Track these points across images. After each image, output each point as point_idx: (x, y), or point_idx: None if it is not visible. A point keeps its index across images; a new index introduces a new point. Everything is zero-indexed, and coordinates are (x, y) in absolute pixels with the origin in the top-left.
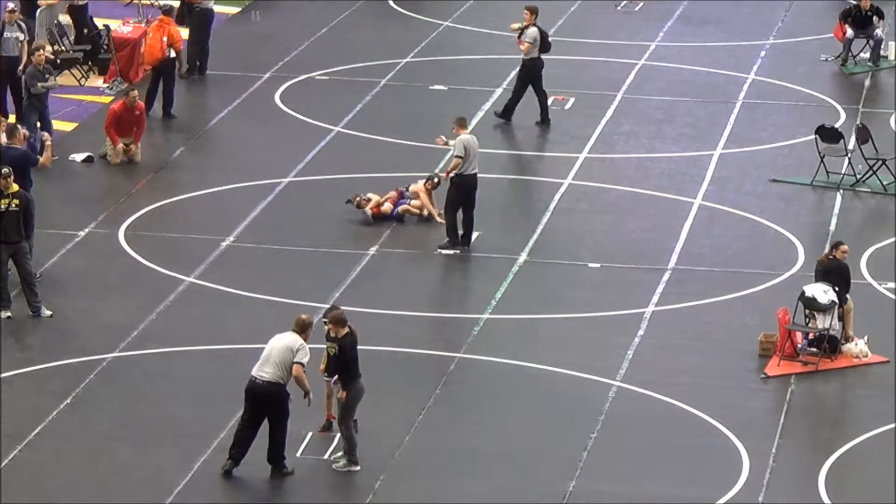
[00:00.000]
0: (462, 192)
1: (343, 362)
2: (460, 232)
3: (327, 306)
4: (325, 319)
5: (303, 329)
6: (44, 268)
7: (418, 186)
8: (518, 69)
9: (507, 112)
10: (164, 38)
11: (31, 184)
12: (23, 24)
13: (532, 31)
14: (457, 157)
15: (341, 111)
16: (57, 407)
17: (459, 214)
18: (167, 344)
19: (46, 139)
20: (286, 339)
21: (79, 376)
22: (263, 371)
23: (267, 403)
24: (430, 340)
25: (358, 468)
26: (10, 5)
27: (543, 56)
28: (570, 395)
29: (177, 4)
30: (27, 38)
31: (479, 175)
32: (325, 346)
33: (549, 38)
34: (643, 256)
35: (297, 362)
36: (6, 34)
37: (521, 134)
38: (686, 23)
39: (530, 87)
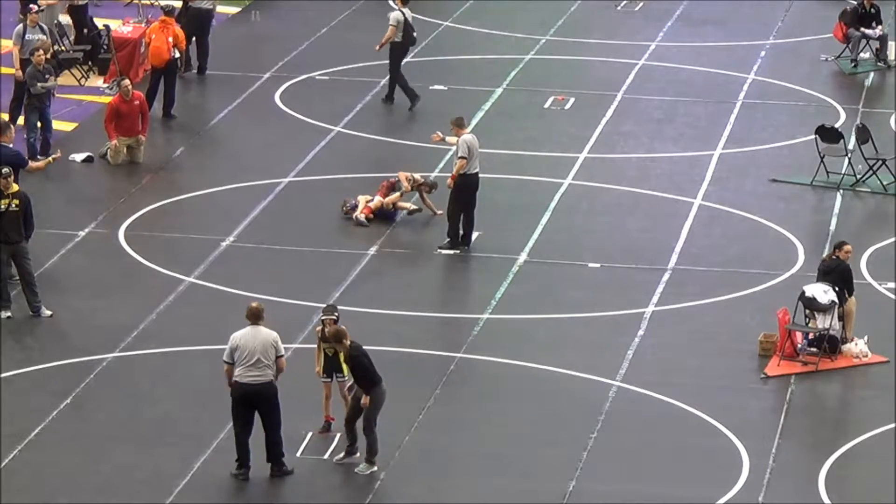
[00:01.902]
0: (465, 192)
1: (361, 373)
2: (460, 232)
3: (325, 306)
4: (324, 318)
5: (260, 317)
6: (44, 268)
7: (404, 174)
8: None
9: (389, 97)
10: (170, 39)
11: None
12: (45, 27)
13: (395, 14)
14: (460, 157)
15: (341, 111)
16: (57, 407)
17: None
18: (167, 344)
19: (55, 157)
20: (262, 335)
21: (79, 376)
22: (256, 373)
23: (263, 403)
24: (430, 340)
25: (376, 468)
26: (35, 7)
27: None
28: (570, 395)
29: (178, 4)
30: (50, 40)
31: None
32: (316, 346)
33: (415, 33)
34: (643, 256)
35: (281, 356)
36: (28, 35)
37: (521, 134)
38: (686, 23)
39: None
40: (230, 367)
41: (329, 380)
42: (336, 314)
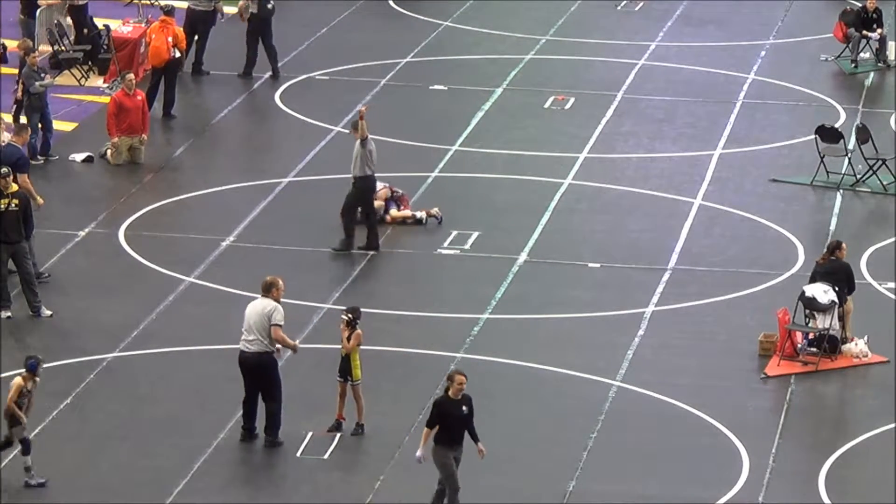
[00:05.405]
0: (366, 193)
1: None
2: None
3: (327, 306)
4: (345, 317)
5: (268, 290)
6: (44, 268)
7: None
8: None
9: (247, 71)
10: (170, 39)
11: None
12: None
13: None
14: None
15: (341, 111)
16: (57, 407)
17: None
18: (167, 344)
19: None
20: (259, 306)
21: (79, 376)
22: (248, 342)
23: (258, 373)
24: (430, 340)
25: None
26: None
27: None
28: (570, 395)
29: (179, 4)
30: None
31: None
32: (340, 346)
33: (269, 5)
34: (643, 256)
35: (274, 325)
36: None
37: (521, 134)
38: (686, 23)
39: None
40: None
41: (342, 380)
42: (349, 315)
